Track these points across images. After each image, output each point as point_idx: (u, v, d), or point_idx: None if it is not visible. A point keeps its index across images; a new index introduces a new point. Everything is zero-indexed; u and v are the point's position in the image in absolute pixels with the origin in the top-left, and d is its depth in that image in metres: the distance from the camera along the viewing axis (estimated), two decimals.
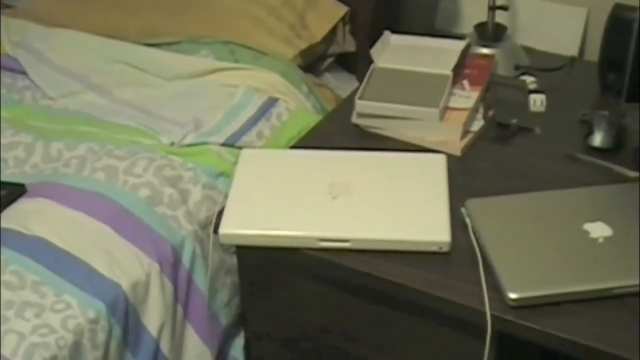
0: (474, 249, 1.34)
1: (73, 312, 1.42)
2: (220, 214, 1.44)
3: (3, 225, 1.53)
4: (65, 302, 1.43)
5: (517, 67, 1.79)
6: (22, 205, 1.58)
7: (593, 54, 1.81)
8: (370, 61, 1.72)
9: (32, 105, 1.87)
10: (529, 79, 1.75)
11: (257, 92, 1.84)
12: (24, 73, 1.95)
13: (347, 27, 2.05)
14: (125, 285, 1.48)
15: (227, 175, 1.65)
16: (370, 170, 1.50)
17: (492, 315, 1.26)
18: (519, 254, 1.32)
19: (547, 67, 1.79)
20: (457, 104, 1.63)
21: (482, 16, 1.82)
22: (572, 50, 1.89)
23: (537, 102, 1.69)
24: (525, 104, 1.69)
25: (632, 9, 1.65)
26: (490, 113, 1.64)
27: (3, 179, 1.65)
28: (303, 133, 1.71)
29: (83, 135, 1.74)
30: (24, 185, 1.62)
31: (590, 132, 1.58)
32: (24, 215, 1.55)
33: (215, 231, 1.43)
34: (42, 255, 1.48)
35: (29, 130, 1.77)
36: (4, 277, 1.44)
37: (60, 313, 1.41)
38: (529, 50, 1.86)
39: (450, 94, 1.64)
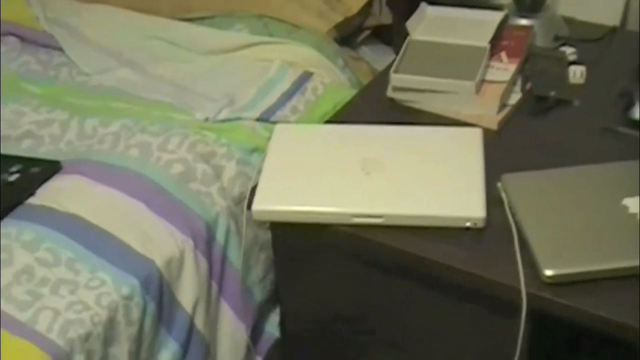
0: (509, 225, 1.32)
1: (107, 288, 1.42)
2: (253, 190, 1.43)
3: (38, 202, 1.54)
4: (100, 279, 1.43)
5: (556, 38, 1.75)
6: (56, 183, 1.59)
7: (635, 23, 1.76)
8: (407, 33, 1.70)
9: (68, 82, 1.88)
10: (568, 50, 1.71)
11: (292, 66, 1.82)
12: (60, 49, 1.95)
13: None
14: (159, 261, 1.48)
15: (261, 151, 1.64)
16: (405, 144, 1.47)
17: (527, 293, 1.24)
18: (556, 230, 1.30)
19: (587, 37, 1.75)
20: (494, 77, 1.60)
21: None
22: (613, 19, 1.84)
23: (576, 73, 1.66)
24: (565, 76, 1.66)
25: None
26: (528, 85, 1.61)
27: (39, 156, 1.66)
28: (338, 107, 1.70)
29: (117, 112, 1.74)
30: (59, 162, 1.63)
31: (630, 105, 1.54)
32: (59, 193, 1.56)
33: (249, 207, 1.42)
34: (77, 232, 1.49)
35: (65, 107, 1.77)
36: (39, 254, 1.45)
37: (95, 290, 1.42)
38: (568, 21, 1.82)
39: (487, 66, 1.61)
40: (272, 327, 1.71)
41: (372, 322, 1.49)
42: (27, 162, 1.62)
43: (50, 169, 1.61)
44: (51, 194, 1.55)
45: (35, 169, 1.60)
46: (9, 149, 1.68)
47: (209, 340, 1.57)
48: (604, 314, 1.21)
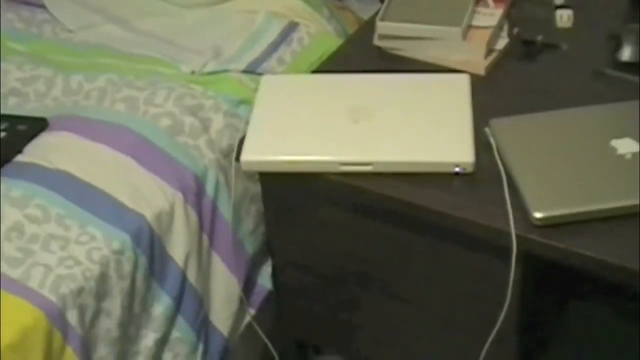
0: (498, 170, 1.32)
1: (98, 243, 1.42)
2: (241, 141, 1.43)
3: (26, 159, 1.53)
4: (90, 234, 1.43)
5: None
6: (44, 139, 1.58)
7: None
8: None
9: (52, 39, 1.86)
10: None
11: (277, 17, 1.81)
12: (42, 7, 1.94)
13: None
14: (149, 215, 1.48)
15: (248, 103, 1.63)
16: (393, 92, 1.47)
17: (517, 236, 1.24)
18: (545, 173, 1.30)
19: None
20: (481, 22, 1.59)
21: None
22: None
23: (563, 17, 1.65)
24: (552, 20, 1.65)
25: None
26: (515, 30, 1.60)
27: (25, 113, 1.65)
28: (324, 57, 1.69)
29: (103, 68, 1.73)
30: (45, 119, 1.61)
31: (618, 47, 1.54)
32: (47, 149, 1.55)
33: (237, 159, 1.42)
34: (66, 188, 1.48)
35: (49, 64, 1.75)
36: (28, 211, 1.44)
37: (86, 245, 1.42)
38: None
39: (474, 12, 1.60)
40: (264, 279, 1.71)
41: (364, 269, 1.50)
42: (14, 119, 1.61)
43: (36, 126, 1.60)
44: (39, 151, 1.55)
45: (21, 127, 1.59)
46: None
47: (201, 293, 1.57)
48: (594, 254, 1.21)
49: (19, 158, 1.54)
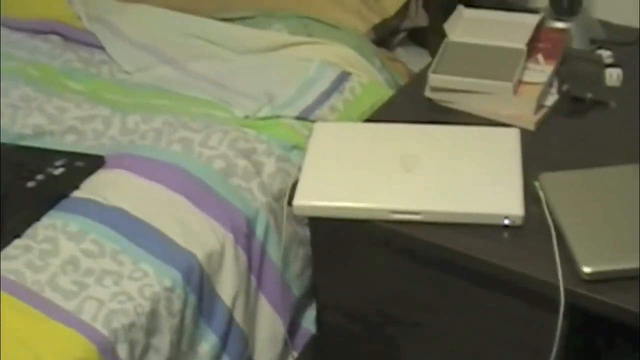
0: (547, 223, 1.34)
1: (150, 280, 1.45)
2: (294, 186, 1.46)
3: (82, 195, 1.57)
4: (143, 270, 1.46)
5: (592, 41, 1.77)
6: (101, 176, 1.62)
7: None
8: (443, 36, 1.72)
9: (109, 79, 1.90)
10: (604, 53, 1.73)
11: (331, 66, 1.85)
12: (101, 48, 1.99)
13: (420, 2, 2.04)
14: (200, 254, 1.51)
15: (300, 148, 1.66)
16: (443, 143, 1.50)
17: (565, 289, 1.26)
18: (593, 228, 1.32)
19: (623, 40, 1.77)
20: (531, 78, 1.62)
21: None
22: None
23: (613, 76, 1.67)
24: (601, 78, 1.68)
25: None
26: (565, 87, 1.63)
27: (82, 150, 1.69)
28: (376, 107, 1.72)
29: (158, 108, 1.77)
30: (102, 157, 1.66)
31: None
32: (103, 186, 1.59)
33: (289, 203, 1.45)
34: (121, 224, 1.52)
35: (107, 104, 1.80)
36: (84, 245, 1.48)
37: (138, 281, 1.45)
38: (605, 24, 1.84)
39: (524, 68, 1.63)
40: (308, 322, 1.73)
41: (410, 315, 1.51)
42: (72, 156, 1.65)
43: (94, 163, 1.64)
44: (95, 188, 1.59)
45: (79, 163, 1.64)
46: (53, 144, 1.72)
47: (247, 333, 1.59)
48: None
49: (76, 193, 1.58)
